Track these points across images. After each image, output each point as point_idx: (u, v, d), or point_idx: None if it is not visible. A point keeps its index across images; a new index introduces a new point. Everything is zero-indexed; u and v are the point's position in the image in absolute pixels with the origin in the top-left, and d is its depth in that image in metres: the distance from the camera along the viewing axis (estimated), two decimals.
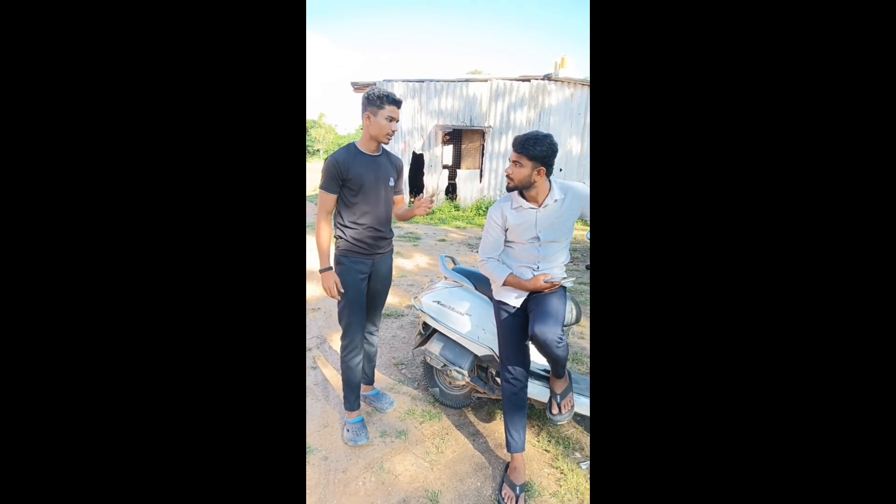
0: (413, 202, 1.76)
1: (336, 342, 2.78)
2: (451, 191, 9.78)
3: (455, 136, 11.76)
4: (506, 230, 1.68)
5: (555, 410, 1.68)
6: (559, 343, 1.51)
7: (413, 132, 8.79)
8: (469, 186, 9.14)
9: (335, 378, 2.34)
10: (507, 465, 1.70)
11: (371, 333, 2.02)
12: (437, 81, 8.58)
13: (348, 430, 1.85)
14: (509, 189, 1.62)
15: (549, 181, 1.61)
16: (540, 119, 8.65)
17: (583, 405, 1.76)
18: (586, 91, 8.51)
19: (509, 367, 1.67)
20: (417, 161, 9.17)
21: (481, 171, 9.04)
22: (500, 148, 8.79)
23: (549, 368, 1.83)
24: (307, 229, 5.07)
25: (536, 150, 1.51)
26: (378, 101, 1.64)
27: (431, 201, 1.74)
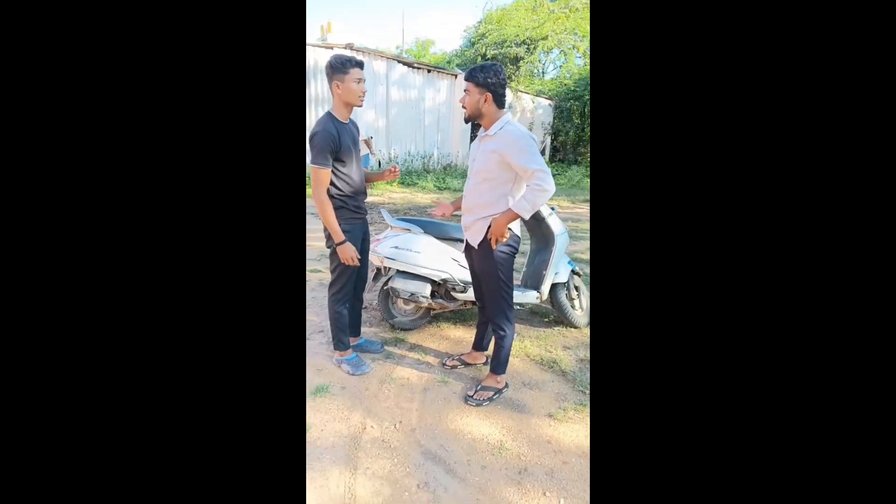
0: (386, 169, 2.04)
1: None
2: None
3: None
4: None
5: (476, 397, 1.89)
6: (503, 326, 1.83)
7: None
8: None
9: None
10: None
11: (362, 290, 2.20)
12: None
13: (349, 365, 2.10)
14: (466, 120, 1.71)
15: (507, 115, 1.62)
16: None
17: (529, 297, 2.47)
18: (383, 62, 9.10)
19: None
20: None
21: None
22: (311, 117, 8.62)
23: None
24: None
25: (481, 76, 1.55)
26: (342, 66, 1.73)
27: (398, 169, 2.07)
